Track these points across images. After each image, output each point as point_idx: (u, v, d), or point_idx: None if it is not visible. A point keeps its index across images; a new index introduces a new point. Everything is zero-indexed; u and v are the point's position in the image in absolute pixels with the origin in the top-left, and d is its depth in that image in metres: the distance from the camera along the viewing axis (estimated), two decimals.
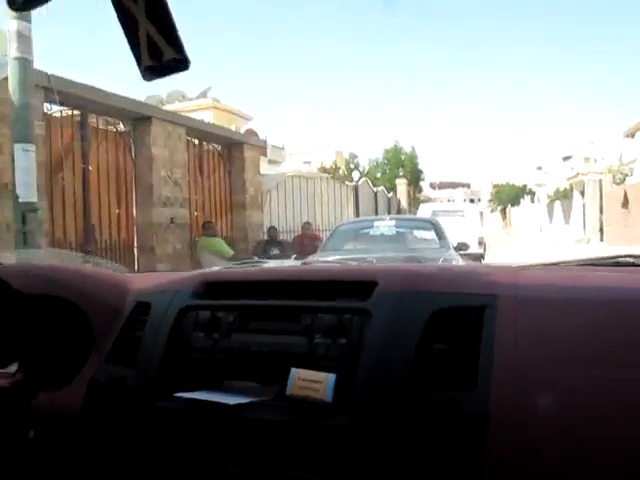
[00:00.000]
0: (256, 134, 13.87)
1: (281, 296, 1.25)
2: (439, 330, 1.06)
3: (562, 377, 0.95)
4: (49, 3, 0.83)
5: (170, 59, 0.80)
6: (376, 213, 16.97)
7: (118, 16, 0.80)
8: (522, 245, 21.75)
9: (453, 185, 66.33)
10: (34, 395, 1.35)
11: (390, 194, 21.90)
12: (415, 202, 27.53)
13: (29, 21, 3.90)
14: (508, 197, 52.34)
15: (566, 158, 40.80)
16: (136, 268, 7.21)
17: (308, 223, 10.75)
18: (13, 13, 3.77)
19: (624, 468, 0.88)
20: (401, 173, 32.80)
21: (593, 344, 0.97)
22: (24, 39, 3.90)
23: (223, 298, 1.31)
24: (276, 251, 9.20)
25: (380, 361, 1.05)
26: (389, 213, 17.72)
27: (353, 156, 36.83)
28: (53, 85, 6.17)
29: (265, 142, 12.52)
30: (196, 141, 9.32)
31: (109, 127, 7.53)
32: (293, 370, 1.09)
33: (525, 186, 51.30)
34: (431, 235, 7.28)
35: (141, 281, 1.59)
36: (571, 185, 28.63)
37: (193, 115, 11.45)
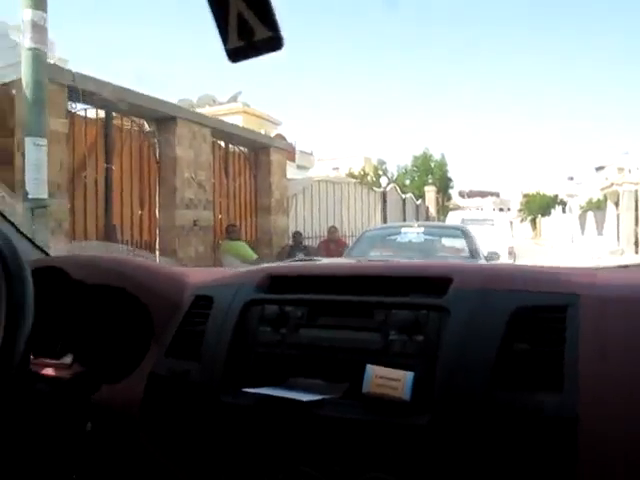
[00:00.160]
0: (285, 139, 13.77)
1: (351, 291, 1.21)
2: (521, 329, 1.02)
3: None
4: None
5: (262, 38, 0.78)
6: (404, 220, 16.71)
7: None
8: (553, 256, 21.25)
9: (482, 194, 65.65)
10: (96, 388, 1.32)
11: (419, 201, 21.63)
12: (444, 210, 27.14)
13: (44, 10, 3.75)
14: (539, 207, 51.61)
15: (599, 168, 40.13)
16: None
17: (334, 227, 10.55)
18: (28, 2, 3.65)
19: None
20: (430, 180, 32.50)
21: None
22: (39, 29, 3.75)
23: (289, 292, 1.28)
24: (301, 256, 9.01)
25: (461, 360, 1.02)
26: (417, 220, 17.43)
27: (381, 162, 36.62)
28: (78, 83, 6.09)
29: (294, 147, 12.39)
30: (222, 143, 9.20)
31: (134, 127, 7.42)
32: (369, 367, 1.06)
33: (556, 196, 50.62)
34: (461, 243, 7.01)
35: (196, 275, 1.58)
36: (605, 195, 28.00)
37: (223, 119, 11.35)
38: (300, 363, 1.19)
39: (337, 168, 32.42)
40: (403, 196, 18.76)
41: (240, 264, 7.03)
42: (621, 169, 31.66)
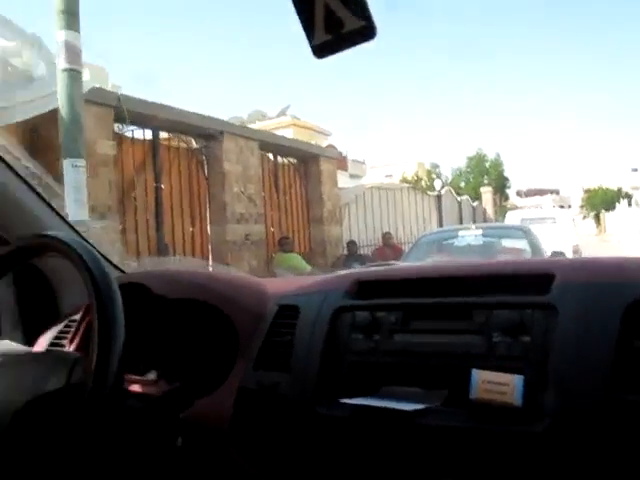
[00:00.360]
0: (335, 149, 13.67)
1: (444, 293, 1.15)
2: (637, 325, 0.94)
3: None
4: None
5: (352, 29, 0.76)
6: (461, 223, 16.33)
7: None
8: (622, 252, 20.35)
9: (541, 192, 64.03)
10: (189, 404, 1.28)
11: (475, 203, 21.16)
12: (502, 210, 26.48)
13: (78, 31, 3.73)
14: (601, 202, 49.97)
15: None
16: None
17: (389, 234, 10.32)
18: (62, 23, 3.63)
19: None
20: (486, 181, 31.85)
21: None
22: (73, 49, 3.72)
23: (380, 297, 1.22)
24: (356, 265, 8.83)
25: (575, 361, 0.94)
26: (474, 223, 16.98)
27: (435, 166, 36.19)
28: (123, 105, 6.12)
29: (344, 156, 12.26)
30: (271, 156, 9.14)
31: (181, 144, 7.42)
32: (475, 372, 0.99)
33: (620, 189, 48.87)
34: (523, 244, 6.67)
35: (275, 285, 1.55)
36: None
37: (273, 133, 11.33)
38: (395, 370, 1.14)
39: (390, 175, 32.18)
40: (459, 199, 18.37)
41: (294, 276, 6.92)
42: None
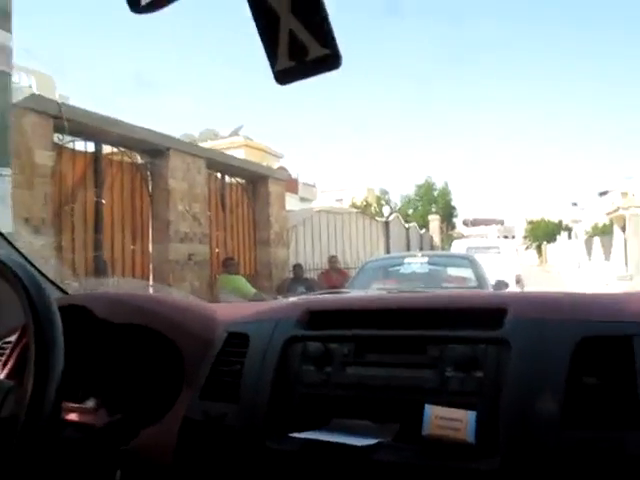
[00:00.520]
0: (287, 171, 13.60)
1: (397, 326, 1.14)
2: (586, 362, 0.95)
3: None
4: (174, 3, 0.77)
5: (316, 57, 0.75)
6: (408, 250, 16.43)
7: (254, 15, 0.76)
8: (561, 282, 20.90)
9: (486, 222, 65.50)
10: (133, 436, 1.22)
11: (422, 231, 21.39)
12: (448, 239, 26.90)
13: (9, 31, 3.53)
14: (543, 233, 51.43)
15: (602, 193, 39.96)
16: None
17: (335, 257, 10.21)
18: None
19: None
20: (433, 209, 32.34)
21: None
22: (3, 50, 3.52)
23: (332, 328, 1.21)
24: (302, 289, 8.71)
25: (527, 397, 0.94)
26: (422, 250, 17.13)
27: (384, 192, 36.55)
28: (64, 114, 5.88)
29: (295, 178, 12.21)
30: (219, 175, 8.97)
31: (125, 159, 7.19)
32: (427, 407, 0.99)
33: (561, 222, 50.47)
34: (468, 273, 6.70)
35: (224, 310, 1.51)
36: (611, 220, 27.73)
37: (225, 153, 11.16)
38: (346, 403, 1.13)
39: (340, 199, 32.30)
40: (406, 225, 18.53)
41: (237, 299, 6.74)
42: (625, 193, 31.44)
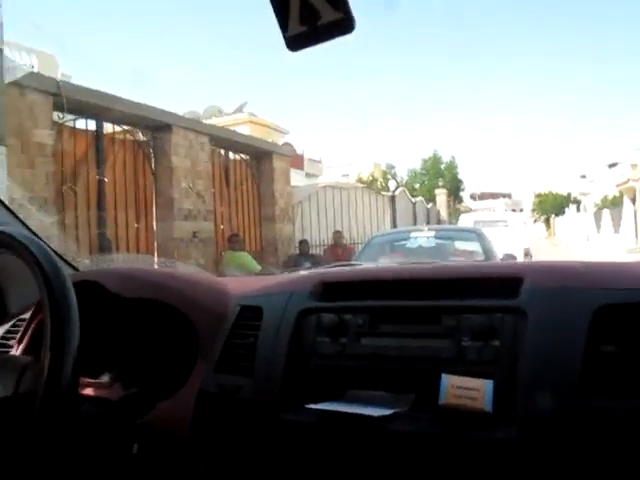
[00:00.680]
0: (292, 147, 13.49)
1: (411, 296, 1.14)
2: (604, 330, 0.95)
3: None
4: None
5: (329, 21, 0.73)
6: (414, 224, 16.34)
7: None
8: (570, 255, 20.76)
9: (494, 195, 65.11)
10: (149, 409, 1.23)
11: (429, 205, 21.27)
12: (455, 213, 26.77)
13: None
14: (552, 206, 51.14)
15: (611, 165, 39.52)
16: None
17: (339, 232, 10.14)
18: None
19: None
20: (440, 183, 32.14)
21: None
22: None
23: (346, 299, 1.20)
24: (308, 265, 8.67)
25: (544, 365, 0.94)
26: (428, 224, 17.03)
27: (390, 167, 36.32)
28: (62, 92, 5.80)
29: (302, 155, 12.10)
30: (222, 151, 8.89)
31: (127, 136, 7.12)
32: (444, 376, 0.99)
33: (569, 195, 50.12)
34: (475, 246, 6.62)
35: (236, 284, 1.51)
36: (621, 192, 27.48)
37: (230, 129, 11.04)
38: (362, 374, 1.12)
39: (347, 175, 32.13)
40: (413, 200, 18.42)
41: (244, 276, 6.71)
42: (635, 165, 31.07)
